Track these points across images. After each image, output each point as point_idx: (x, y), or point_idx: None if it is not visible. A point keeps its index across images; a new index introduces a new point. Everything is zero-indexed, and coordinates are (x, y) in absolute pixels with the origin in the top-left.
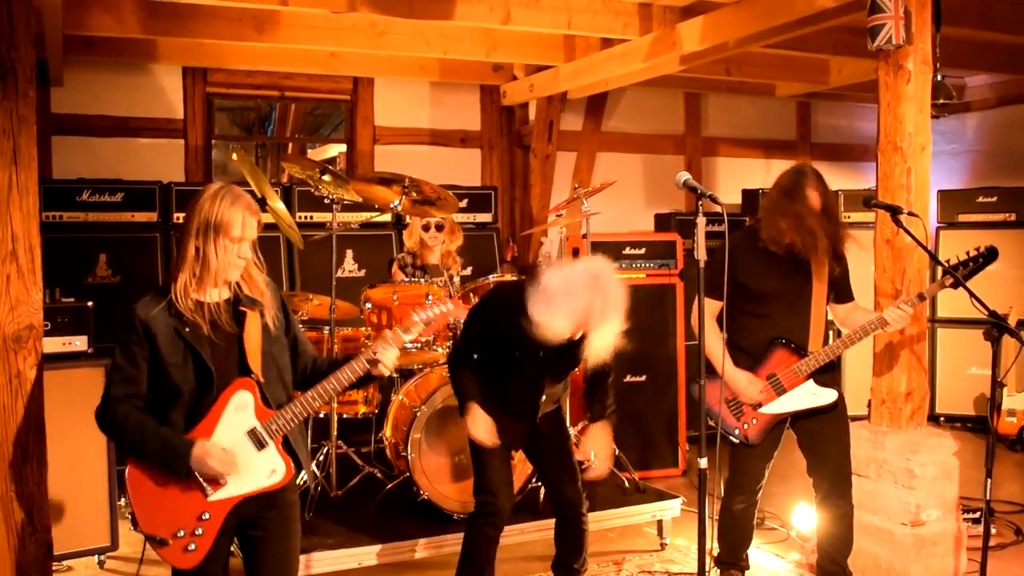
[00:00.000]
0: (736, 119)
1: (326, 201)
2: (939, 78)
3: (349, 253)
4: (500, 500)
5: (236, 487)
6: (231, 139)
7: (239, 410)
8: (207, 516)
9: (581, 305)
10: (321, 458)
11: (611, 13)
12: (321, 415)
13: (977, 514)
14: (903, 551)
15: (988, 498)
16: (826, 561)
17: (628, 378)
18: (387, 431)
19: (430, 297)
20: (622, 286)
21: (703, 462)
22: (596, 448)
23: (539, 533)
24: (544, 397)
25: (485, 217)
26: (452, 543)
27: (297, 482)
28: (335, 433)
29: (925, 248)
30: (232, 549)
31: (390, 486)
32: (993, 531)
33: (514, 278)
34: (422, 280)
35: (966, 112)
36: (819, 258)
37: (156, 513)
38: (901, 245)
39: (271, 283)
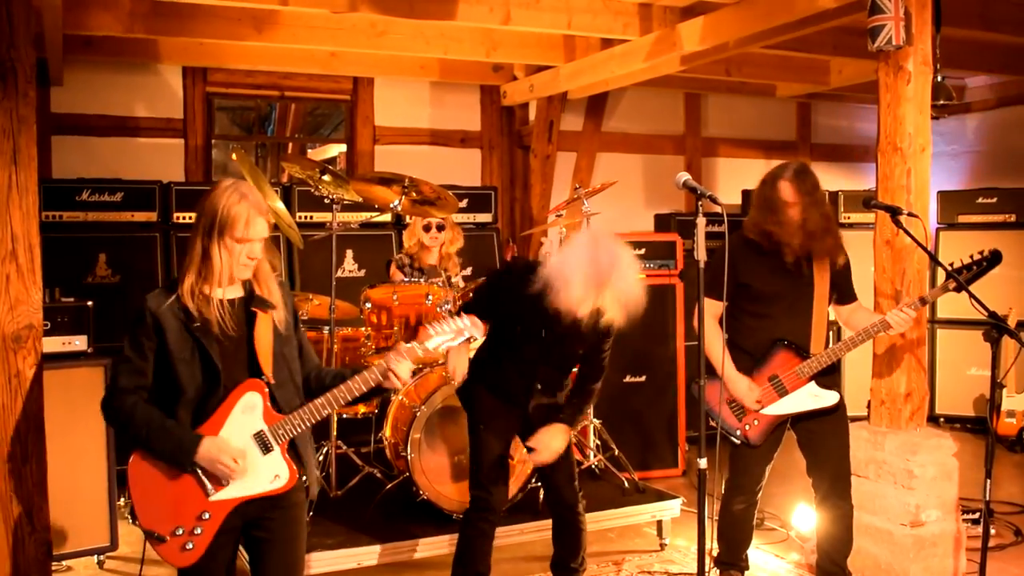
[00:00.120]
0: (736, 119)
1: (326, 201)
2: (939, 79)
3: (349, 253)
4: (494, 496)
5: (238, 489)
6: (231, 139)
7: (247, 412)
8: (207, 516)
9: (592, 261)
10: (321, 458)
11: (611, 13)
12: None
13: (977, 515)
14: (903, 552)
15: (987, 499)
16: (826, 561)
17: (628, 378)
18: (387, 431)
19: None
20: (628, 250)
21: (703, 462)
22: (547, 440)
23: (538, 533)
24: (539, 384)
25: (485, 217)
26: (452, 543)
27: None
28: (335, 433)
29: (925, 249)
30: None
31: (390, 486)
32: (992, 532)
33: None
34: (421, 280)
35: (966, 113)
36: (818, 258)
37: (156, 509)
38: (901, 246)
39: (284, 284)
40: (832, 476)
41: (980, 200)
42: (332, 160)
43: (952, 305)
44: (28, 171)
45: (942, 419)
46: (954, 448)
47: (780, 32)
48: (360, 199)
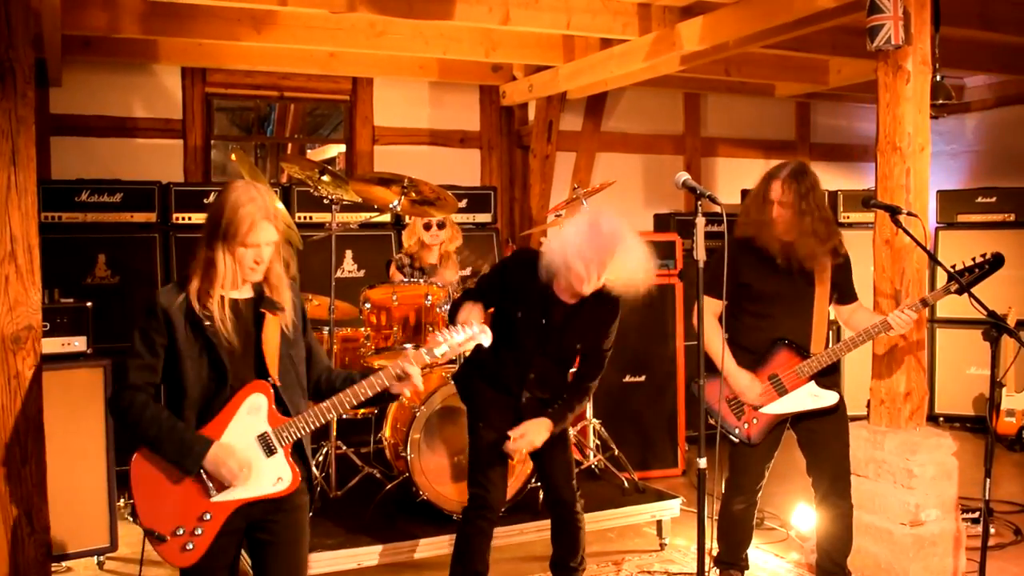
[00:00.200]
0: (735, 119)
1: (325, 201)
2: (938, 78)
3: (348, 253)
4: (492, 494)
5: (240, 491)
6: (230, 139)
7: (252, 413)
8: (208, 516)
9: (593, 236)
10: (321, 458)
11: (610, 13)
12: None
13: (976, 514)
14: (902, 551)
15: (987, 498)
16: (825, 561)
17: (627, 378)
18: (386, 432)
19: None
20: (628, 225)
21: (702, 462)
22: (529, 433)
23: (538, 533)
24: (532, 375)
25: (484, 217)
26: (451, 543)
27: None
28: (334, 434)
29: (924, 248)
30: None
31: (389, 486)
32: (992, 531)
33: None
34: (420, 281)
35: (965, 112)
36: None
37: (157, 508)
38: (900, 245)
39: (295, 287)
40: (832, 475)
41: (979, 199)
42: (331, 160)
43: (951, 304)
44: (27, 172)
45: (942, 418)
46: (953, 447)
47: (779, 32)
48: (359, 199)
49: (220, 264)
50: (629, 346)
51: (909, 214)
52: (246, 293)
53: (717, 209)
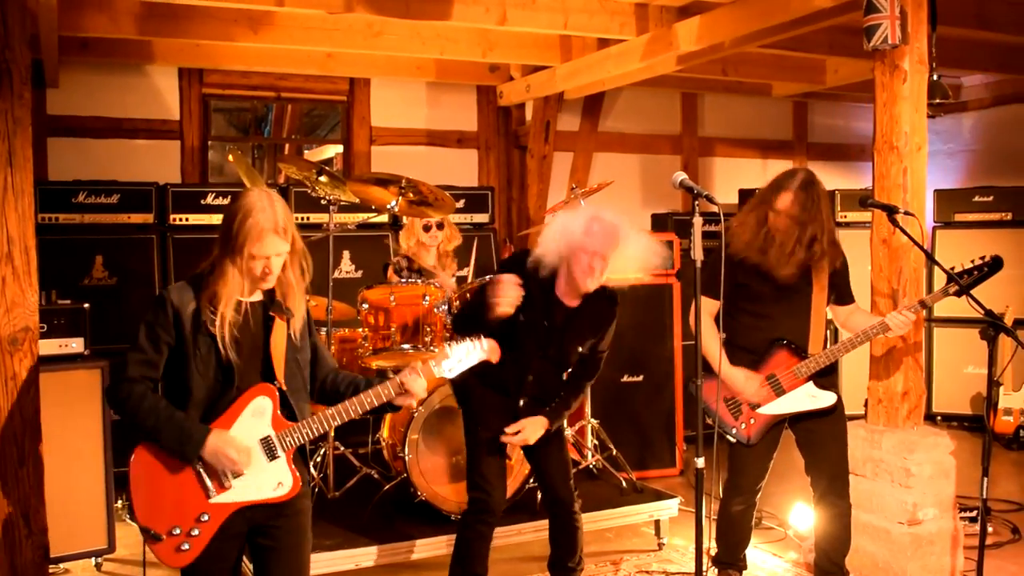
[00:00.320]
0: (732, 119)
1: (323, 202)
2: (935, 78)
3: (346, 254)
4: (493, 497)
5: (240, 493)
6: (227, 140)
7: (256, 415)
8: (206, 518)
9: (590, 236)
10: (319, 459)
11: (607, 13)
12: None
13: (974, 513)
14: (900, 550)
15: (985, 497)
16: (824, 560)
17: (625, 378)
18: (384, 432)
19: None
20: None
21: (700, 462)
22: (525, 428)
23: (536, 534)
24: (531, 377)
25: (482, 218)
26: (449, 544)
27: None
28: (332, 434)
29: (922, 248)
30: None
31: (387, 487)
32: (990, 530)
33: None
34: (418, 281)
35: (962, 112)
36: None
37: (155, 506)
38: (897, 245)
39: (301, 293)
40: (830, 475)
41: (976, 199)
42: (329, 161)
43: (949, 304)
44: (24, 173)
45: (939, 417)
46: (951, 446)
47: (776, 31)
48: (357, 200)
49: (230, 270)
50: (627, 346)
51: (906, 213)
52: (256, 296)
53: (714, 209)
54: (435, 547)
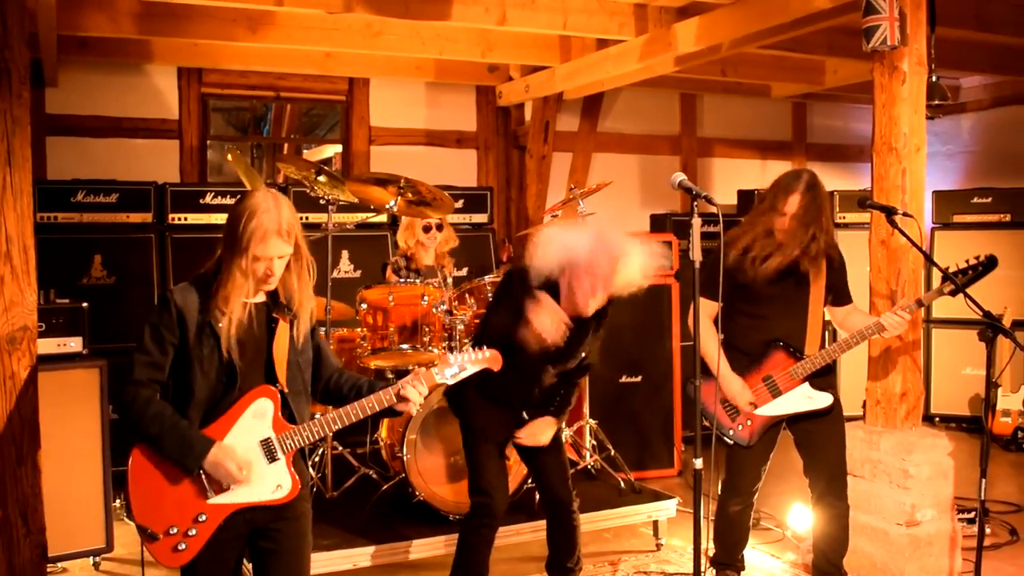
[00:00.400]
0: (731, 120)
1: (322, 202)
2: (934, 79)
3: (345, 254)
4: (496, 501)
5: (238, 495)
6: (226, 139)
7: (257, 417)
8: (203, 518)
9: (596, 260)
10: (317, 459)
11: (607, 14)
12: (317, 415)
13: (972, 514)
14: (898, 551)
15: (983, 498)
16: (822, 561)
17: (624, 378)
18: (383, 432)
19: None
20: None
21: (699, 463)
22: (536, 432)
23: (534, 534)
24: (537, 391)
25: (481, 218)
26: (447, 544)
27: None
28: (330, 434)
29: (920, 249)
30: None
31: (385, 487)
32: (988, 531)
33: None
34: (417, 281)
35: (961, 113)
36: (813, 263)
37: (153, 505)
38: (896, 246)
39: (311, 297)
40: (828, 476)
41: (975, 200)
42: (328, 161)
43: (947, 305)
44: (23, 172)
45: (937, 419)
46: (949, 447)
47: (775, 32)
48: (356, 200)
49: (236, 271)
50: (625, 346)
51: (905, 215)
52: (260, 297)
53: (713, 210)
54: (433, 547)
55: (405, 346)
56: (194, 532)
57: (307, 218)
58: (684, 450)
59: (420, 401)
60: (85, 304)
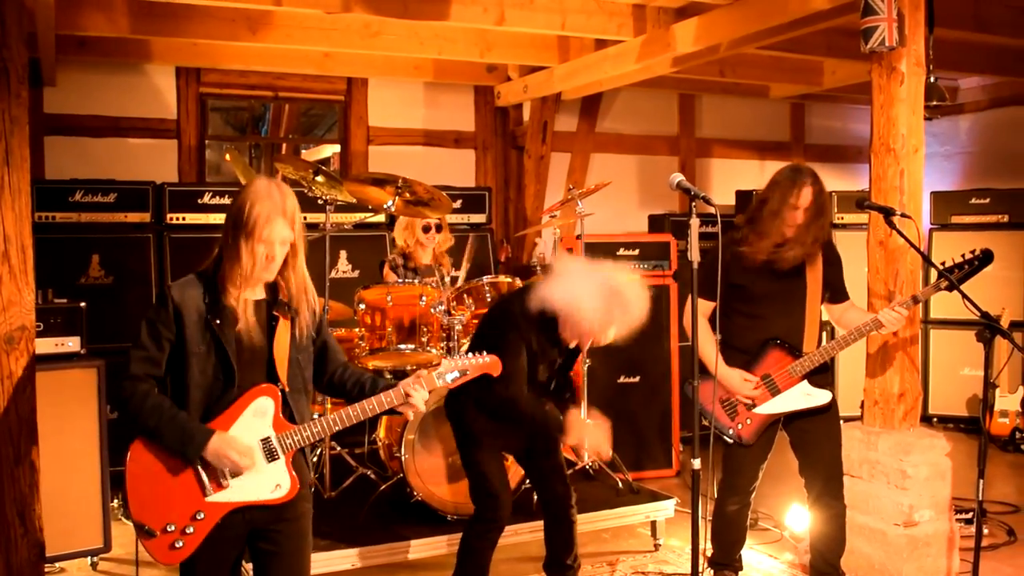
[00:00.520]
0: (730, 120)
1: (320, 202)
2: (932, 80)
3: (343, 254)
4: (501, 502)
5: (236, 493)
6: (225, 139)
7: (257, 416)
8: (201, 516)
9: (595, 307)
10: (315, 459)
11: (605, 14)
12: (315, 415)
13: (970, 514)
14: (896, 552)
15: (980, 499)
16: (819, 561)
17: (622, 379)
18: (381, 432)
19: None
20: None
21: (696, 463)
22: (593, 442)
23: (532, 534)
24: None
25: (479, 218)
26: (446, 544)
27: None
28: (331, 434)
29: (918, 250)
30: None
31: (384, 487)
32: (986, 531)
33: (508, 280)
34: (415, 281)
35: (959, 114)
36: (811, 259)
37: (150, 502)
38: (894, 247)
39: (311, 290)
40: (825, 476)
41: (973, 201)
42: (326, 161)
43: (945, 305)
44: (21, 172)
45: (935, 419)
46: (947, 448)
47: (773, 33)
48: (354, 200)
49: (242, 255)
50: (623, 347)
51: (903, 215)
52: (259, 295)
53: (711, 210)
54: (431, 547)
55: (403, 346)
56: (191, 530)
57: (305, 218)
58: (682, 450)
59: (423, 409)
60: (83, 304)
